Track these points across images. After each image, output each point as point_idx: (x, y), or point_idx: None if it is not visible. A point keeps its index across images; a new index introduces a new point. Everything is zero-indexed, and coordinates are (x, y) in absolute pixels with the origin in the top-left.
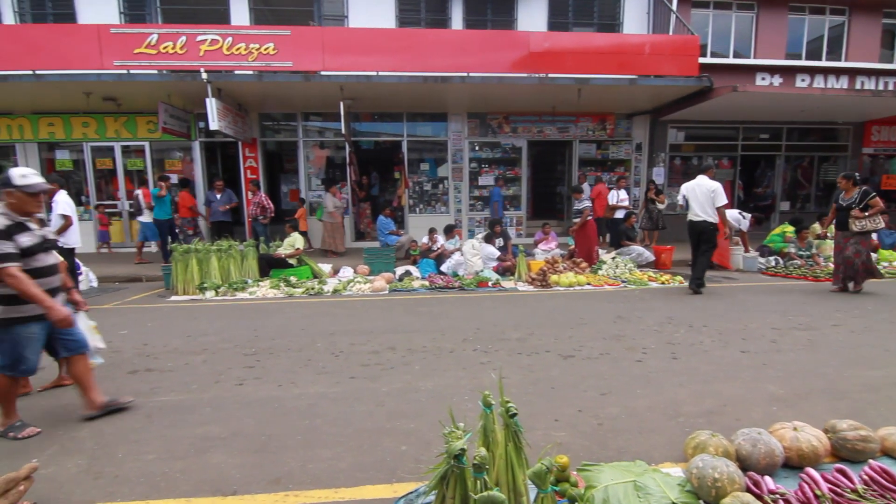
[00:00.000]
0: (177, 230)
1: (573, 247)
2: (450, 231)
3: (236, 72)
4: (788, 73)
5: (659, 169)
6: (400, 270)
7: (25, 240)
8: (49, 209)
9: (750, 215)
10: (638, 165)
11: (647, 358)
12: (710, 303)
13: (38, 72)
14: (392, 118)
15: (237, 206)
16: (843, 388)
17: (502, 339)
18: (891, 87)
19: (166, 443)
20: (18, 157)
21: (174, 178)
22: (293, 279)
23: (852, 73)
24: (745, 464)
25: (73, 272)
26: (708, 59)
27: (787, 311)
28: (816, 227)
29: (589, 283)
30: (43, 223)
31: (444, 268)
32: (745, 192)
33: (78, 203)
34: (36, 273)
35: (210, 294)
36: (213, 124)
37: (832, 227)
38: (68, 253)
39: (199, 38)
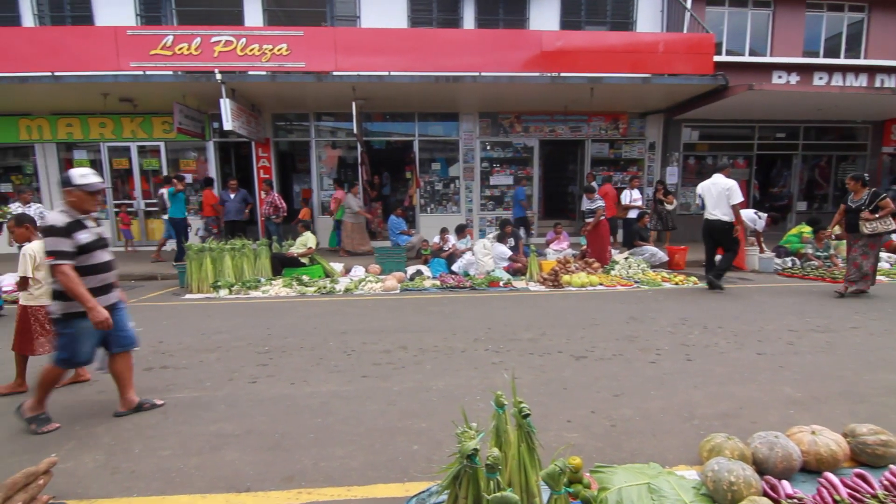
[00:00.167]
0: (199, 229)
1: (585, 247)
2: (461, 231)
3: (250, 72)
4: (806, 70)
5: (672, 168)
6: (411, 270)
7: (84, 237)
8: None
9: (766, 215)
10: (651, 165)
11: (661, 359)
12: (725, 304)
13: (56, 73)
14: (403, 118)
15: (252, 206)
16: (863, 391)
17: (514, 339)
18: None
19: (181, 439)
20: (37, 157)
21: (189, 178)
22: (305, 278)
23: (872, 70)
24: (761, 468)
25: None
26: (723, 58)
27: (805, 312)
28: (837, 228)
29: (601, 284)
30: (98, 221)
31: (455, 267)
32: (760, 191)
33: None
34: (93, 269)
35: (224, 292)
36: (227, 124)
37: (837, 227)
38: None
39: (214, 39)
